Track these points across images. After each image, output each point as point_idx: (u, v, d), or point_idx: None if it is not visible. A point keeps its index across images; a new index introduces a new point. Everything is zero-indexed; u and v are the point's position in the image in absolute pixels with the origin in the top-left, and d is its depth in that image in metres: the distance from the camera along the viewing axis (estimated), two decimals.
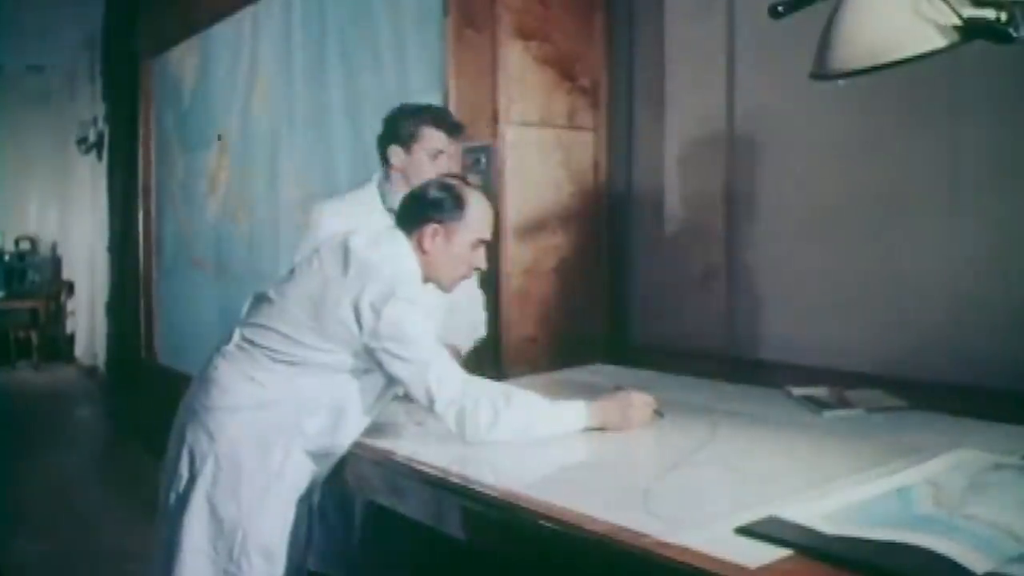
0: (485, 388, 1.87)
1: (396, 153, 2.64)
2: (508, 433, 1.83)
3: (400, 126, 2.70)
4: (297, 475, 1.91)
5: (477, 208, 2.00)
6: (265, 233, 4.47)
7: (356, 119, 3.63)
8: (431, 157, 2.59)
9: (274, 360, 1.90)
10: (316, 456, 1.91)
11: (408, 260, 1.95)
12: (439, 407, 1.83)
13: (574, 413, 1.90)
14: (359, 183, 2.72)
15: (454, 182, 2.06)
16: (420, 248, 1.96)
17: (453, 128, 2.61)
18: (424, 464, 1.72)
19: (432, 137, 2.59)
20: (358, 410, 1.93)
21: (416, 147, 2.60)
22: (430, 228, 1.95)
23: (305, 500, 1.96)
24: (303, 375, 1.89)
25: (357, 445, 1.90)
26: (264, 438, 1.88)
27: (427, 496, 1.67)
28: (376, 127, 3.20)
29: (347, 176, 3.68)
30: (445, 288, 2.04)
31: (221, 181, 4.94)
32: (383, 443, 1.88)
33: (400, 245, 1.96)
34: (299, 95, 4.06)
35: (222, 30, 4.87)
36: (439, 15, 3.10)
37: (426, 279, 1.98)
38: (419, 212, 1.99)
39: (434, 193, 2.00)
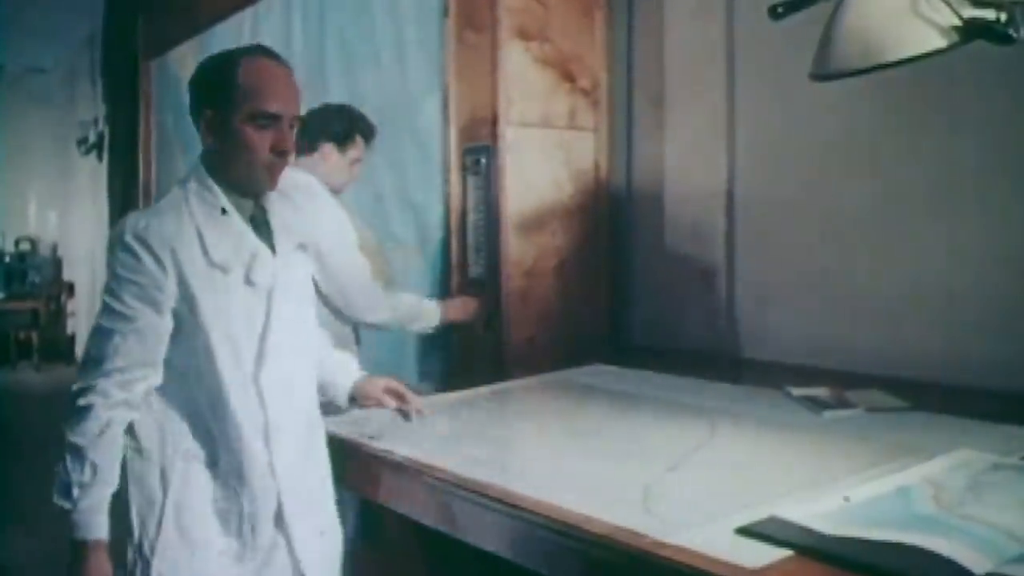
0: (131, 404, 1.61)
1: (330, 151, 2.72)
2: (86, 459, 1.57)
3: (337, 125, 2.75)
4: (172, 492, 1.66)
5: (248, 73, 1.62)
6: None
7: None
8: (351, 164, 2.73)
9: None
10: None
11: (192, 181, 1.69)
12: (80, 383, 1.59)
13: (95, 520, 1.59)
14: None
15: (227, 51, 1.71)
16: (207, 144, 1.67)
17: (372, 140, 2.78)
18: (422, 464, 1.72)
19: (360, 146, 2.73)
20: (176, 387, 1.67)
21: (350, 151, 2.72)
22: (203, 117, 1.65)
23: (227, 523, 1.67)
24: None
25: (357, 445, 1.89)
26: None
27: (424, 496, 1.67)
28: (378, 119, 3.18)
29: None
30: (259, 187, 1.68)
31: None
32: (382, 443, 1.88)
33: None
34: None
35: (222, 31, 4.86)
36: (439, 16, 3.10)
37: (236, 185, 1.68)
38: (192, 102, 1.68)
39: (201, 72, 1.69)
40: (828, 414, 2.00)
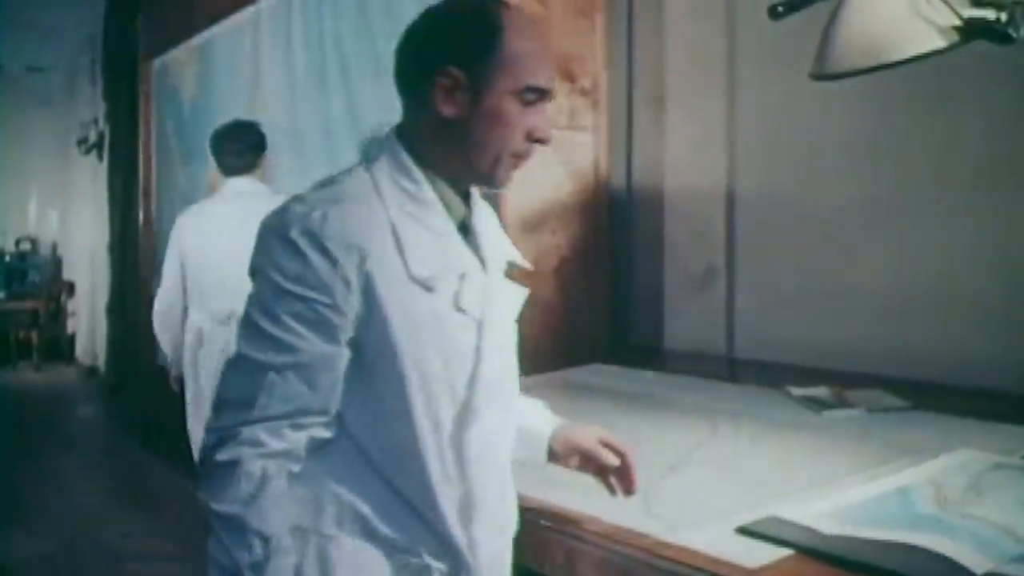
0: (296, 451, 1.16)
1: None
2: (266, 519, 1.12)
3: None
4: None
5: (516, 33, 1.19)
6: None
7: (357, 130, 3.62)
8: None
9: None
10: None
11: (388, 158, 1.22)
12: (215, 431, 1.14)
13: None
14: None
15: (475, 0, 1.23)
16: (436, 116, 1.19)
17: None
18: None
19: None
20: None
21: None
22: (445, 78, 1.18)
23: None
24: None
25: None
26: None
27: None
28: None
29: None
30: (493, 180, 1.24)
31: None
32: None
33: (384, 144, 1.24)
34: (300, 108, 4.06)
35: (222, 40, 4.87)
36: None
37: (454, 175, 1.23)
38: (424, 56, 1.21)
39: (444, 19, 1.22)
40: (828, 414, 2.00)
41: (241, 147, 3.19)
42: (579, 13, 3.04)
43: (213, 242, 3.13)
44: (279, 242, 1.12)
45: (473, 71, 1.17)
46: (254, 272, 1.16)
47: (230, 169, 3.21)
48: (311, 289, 1.11)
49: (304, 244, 1.11)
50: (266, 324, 1.13)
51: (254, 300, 1.15)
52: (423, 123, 1.22)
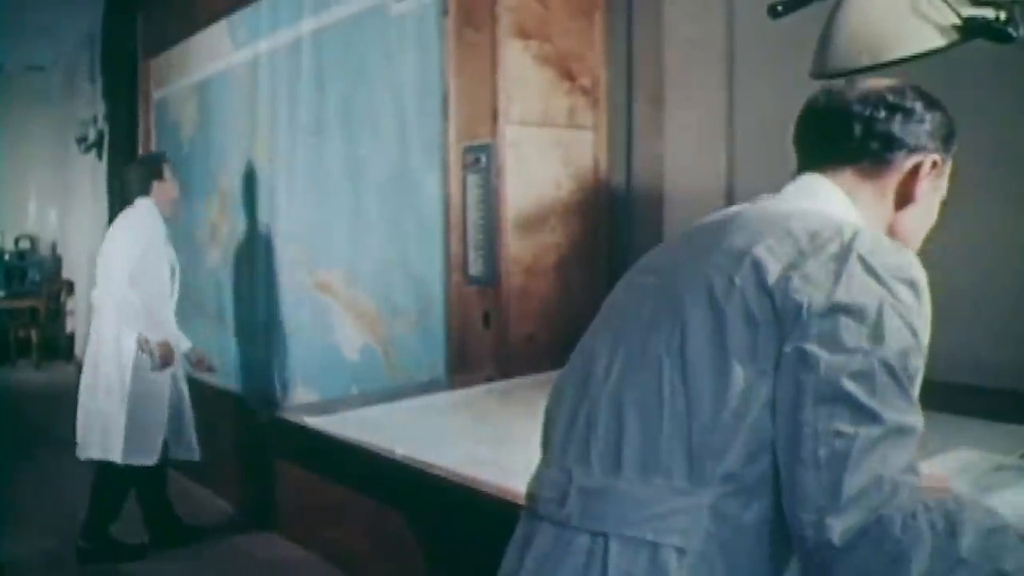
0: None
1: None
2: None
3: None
4: None
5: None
6: (260, 286, 4.49)
7: (356, 181, 3.64)
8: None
9: None
10: None
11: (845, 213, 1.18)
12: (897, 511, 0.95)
13: None
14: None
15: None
16: (890, 190, 1.22)
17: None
18: (421, 463, 1.71)
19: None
20: None
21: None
22: (930, 163, 1.21)
23: None
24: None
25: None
26: None
27: (423, 495, 1.67)
28: (378, 191, 3.16)
29: (345, 237, 3.70)
30: None
31: (222, 232, 4.93)
32: (381, 442, 1.87)
33: (823, 193, 1.22)
34: (298, 152, 4.06)
35: (220, 83, 4.86)
36: (439, 87, 3.10)
37: None
38: (922, 133, 1.20)
39: (921, 107, 1.21)
40: None
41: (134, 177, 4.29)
42: (579, 12, 3.04)
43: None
44: (909, 289, 1.03)
45: (942, 168, 1.24)
46: (861, 305, 0.99)
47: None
48: (922, 353, 1.02)
49: (925, 299, 1.05)
50: (900, 383, 0.98)
51: (890, 339, 0.98)
52: (866, 191, 1.23)
